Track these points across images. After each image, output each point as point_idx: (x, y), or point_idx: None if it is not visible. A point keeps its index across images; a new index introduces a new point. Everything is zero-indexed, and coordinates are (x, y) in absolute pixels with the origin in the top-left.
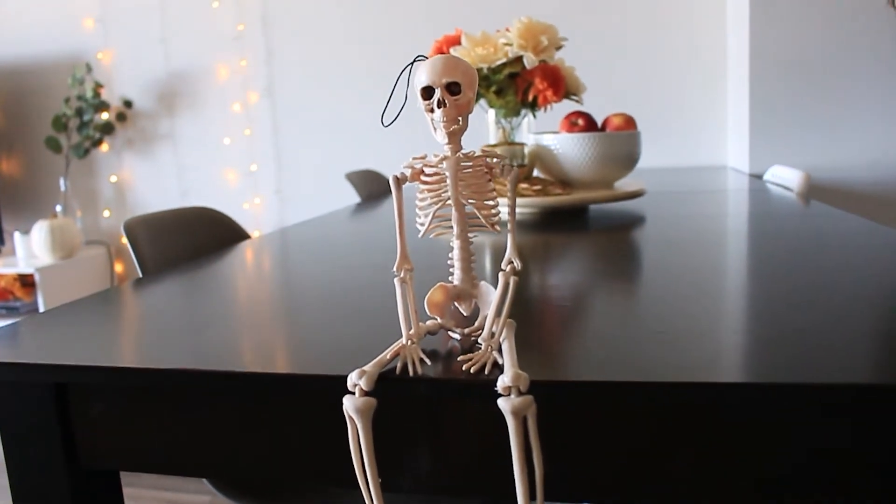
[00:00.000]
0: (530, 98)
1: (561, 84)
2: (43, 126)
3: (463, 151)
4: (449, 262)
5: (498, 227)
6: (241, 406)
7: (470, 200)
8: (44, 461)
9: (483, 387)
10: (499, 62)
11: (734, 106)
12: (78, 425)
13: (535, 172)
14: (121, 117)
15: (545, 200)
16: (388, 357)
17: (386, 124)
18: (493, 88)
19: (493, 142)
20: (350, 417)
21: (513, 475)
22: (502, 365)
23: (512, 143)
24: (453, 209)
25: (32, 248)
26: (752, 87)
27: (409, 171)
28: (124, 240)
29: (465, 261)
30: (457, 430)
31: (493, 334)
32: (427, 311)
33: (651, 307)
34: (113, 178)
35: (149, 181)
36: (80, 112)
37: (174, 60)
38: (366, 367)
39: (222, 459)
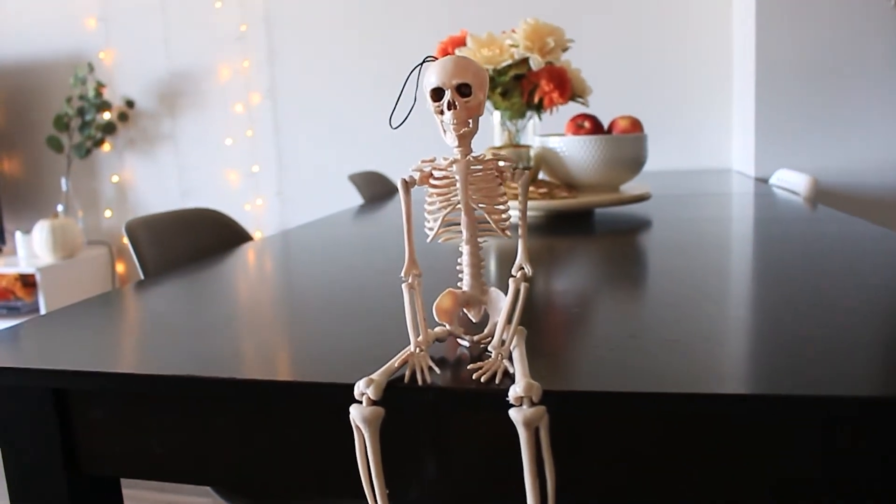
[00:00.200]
0: (536, 100)
1: (567, 86)
2: (44, 125)
3: (473, 154)
4: (458, 267)
5: (509, 233)
6: (244, 414)
7: (480, 205)
8: (43, 467)
9: (493, 396)
10: (504, 64)
11: (739, 108)
12: (78, 431)
13: (541, 175)
14: (122, 117)
15: (551, 204)
16: (395, 365)
17: (395, 126)
18: (499, 90)
19: (498, 144)
20: (357, 427)
21: (523, 487)
22: (513, 374)
23: (517, 146)
24: (463, 213)
25: (34, 248)
26: (758, 89)
27: (418, 174)
28: (126, 240)
29: (474, 266)
30: (466, 440)
31: (503, 342)
32: (435, 317)
33: (661, 313)
34: (114, 178)
35: (150, 181)
36: (81, 112)
37: (176, 60)
38: (373, 376)
39: (224, 468)
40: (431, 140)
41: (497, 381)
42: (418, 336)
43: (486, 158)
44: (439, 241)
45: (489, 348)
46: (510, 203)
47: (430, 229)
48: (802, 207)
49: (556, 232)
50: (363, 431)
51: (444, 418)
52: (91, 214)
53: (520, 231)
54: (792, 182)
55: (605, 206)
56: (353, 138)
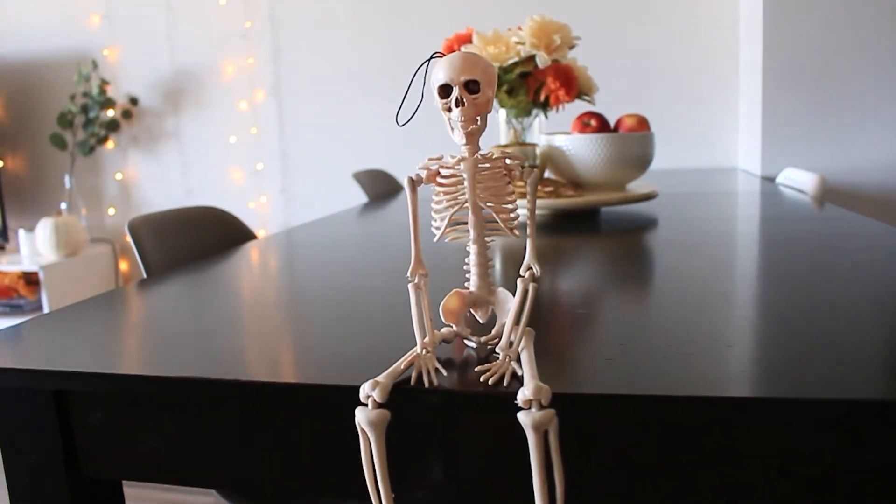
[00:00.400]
0: (542, 98)
1: (573, 84)
2: (48, 123)
3: (481, 152)
4: (465, 267)
5: (517, 232)
6: (248, 416)
7: (488, 204)
8: (44, 469)
9: (501, 399)
10: (511, 61)
11: (746, 107)
12: (79, 433)
13: (547, 173)
14: (126, 115)
15: (557, 202)
16: (401, 367)
17: (401, 123)
18: (505, 88)
19: (503, 142)
20: (362, 430)
21: (531, 491)
22: (521, 376)
23: (523, 144)
24: (470, 212)
25: (37, 246)
26: (765, 88)
27: (425, 172)
28: (129, 238)
29: (481, 266)
30: (473, 443)
31: (511, 343)
32: (442, 318)
33: (670, 314)
34: (118, 176)
35: (154, 179)
36: (85, 109)
37: (180, 58)
38: (379, 378)
39: (227, 470)
40: (438, 138)
41: (505, 384)
42: (424, 337)
43: (493, 157)
44: (446, 240)
45: (497, 350)
46: (518, 202)
47: (437, 228)
48: (810, 206)
49: (562, 231)
50: (369, 435)
51: (450, 421)
52: (94, 212)
53: (528, 230)
54: (799, 181)
55: (611, 204)
56: (359, 136)
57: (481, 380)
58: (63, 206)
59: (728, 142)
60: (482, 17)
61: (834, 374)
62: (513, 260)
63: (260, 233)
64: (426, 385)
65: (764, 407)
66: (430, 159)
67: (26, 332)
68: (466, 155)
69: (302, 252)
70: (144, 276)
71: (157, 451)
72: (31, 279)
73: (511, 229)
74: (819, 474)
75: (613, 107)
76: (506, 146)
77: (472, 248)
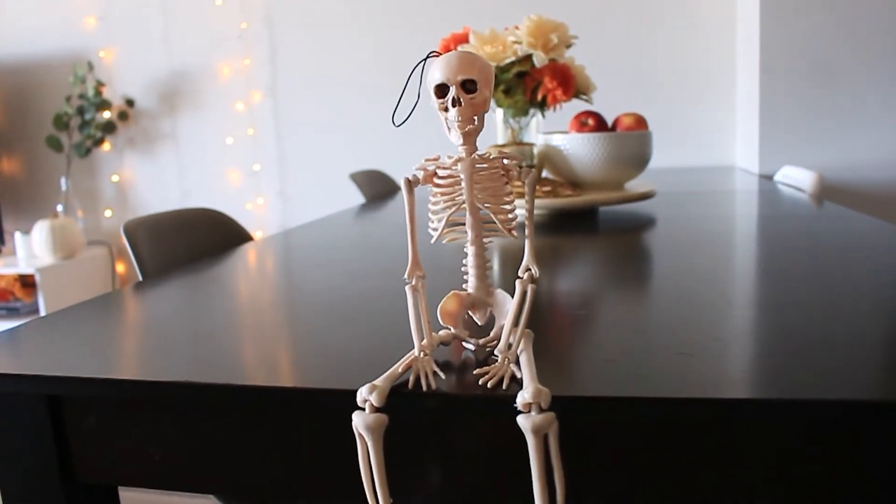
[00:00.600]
0: (539, 97)
1: (571, 83)
2: (44, 125)
3: (478, 153)
4: (463, 268)
5: (515, 233)
6: (245, 420)
7: (486, 204)
8: (38, 475)
9: (500, 402)
10: (507, 61)
11: (743, 105)
12: (73, 438)
13: (544, 173)
14: (122, 116)
15: (555, 202)
16: (399, 370)
17: (398, 124)
18: (502, 87)
19: (501, 142)
20: (360, 435)
21: (531, 496)
22: (520, 379)
23: (521, 144)
24: (468, 213)
25: (33, 248)
26: (762, 86)
27: (422, 173)
28: (125, 240)
29: (479, 268)
30: (472, 447)
31: (510, 346)
32: (440, 320)
33: (670, 314)
34: (114, 178)
35: (151, 181)
36: (81, 111)
37: (176, 59)
38: (377, 382)
39: (224, 476)
40: (435, 138)
41: (504, 387)
42: (422, 340)
43: (491, 157)
44: (443, 241)
45: (495, 352)
46: (516, 202)
47: (434, 230)
48: (808, 204)
49: (560, 230)
50: (366, 439)
51: (449, 425)
52: (91, 214)
53: (526, 231)
54: (797, 179)
55: (609, 204)
56: (355, 136)
57: (480, 383)
58: (59, 208)
59: (726, 140)
60: (479, 16)
61: (834, 374)
62: (511, 261)
63: (257, 234)
64: (424, 388)
65: (764, 408)
66: (427, 160)
67: (20, 336)
68: (464, 155)
69: (299, 254)
70: (140, 279)
71: (153, 457)
72: (27, 282)
73: (509, 230)
74: (819, 475)
75: (611, 106)
76: (503, 146)
77: (470, 250)
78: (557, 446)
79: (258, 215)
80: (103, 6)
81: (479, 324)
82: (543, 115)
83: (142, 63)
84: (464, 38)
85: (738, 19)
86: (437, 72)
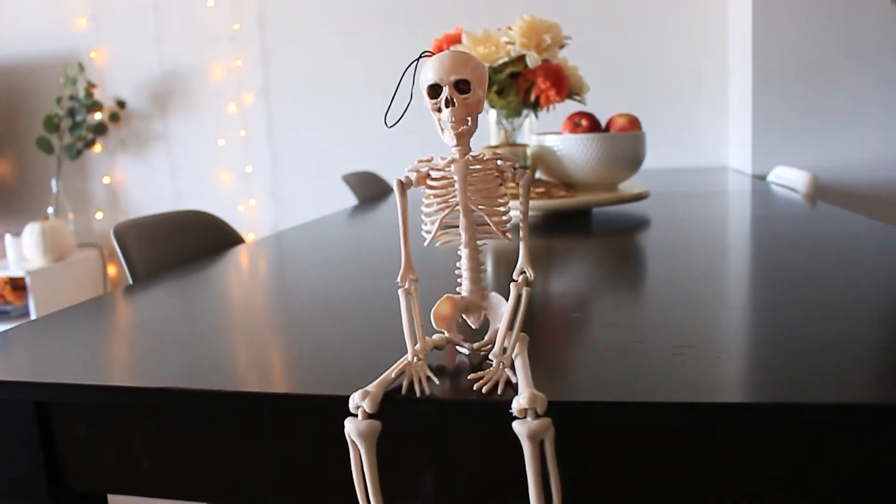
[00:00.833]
0: (532, 98)
1: (564, 84)
2: (34, 126)
3: (472, 154)
4: (457, 271)
5: (510, 235)
6: (236, 427)
7: (480, 206)
8: (26, 483)
9: (495, 407)
10: (500, 61)
11: (736, 106)
12: (62, 446)
13: (538, 174)
14: (114, 118)
15: (548, 203)
16: (392, 376)
17: (390, 125)
18: (495, 88)
19: (494, 143)
20: (353, 442)
21: (527, 502)
22: (516, 384)
23: (514, 145)
24: (461, 215)
25: (23, 251)
26: (755, 86)
27: (415, 174)
28: (114, 243)
29: (473, 270)
30: (466, 453)
31: (505, 350)
32: (433, 324)
33: (665, 316)
34: (106, 180)
35: (142, 182)
36: (72, 112)
37: (168, 60)
38: (369, 388)
39: (215, 483)
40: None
41: (499, 392)
42: (416, 344)
43: (485, 158)
44: (437, 244)
45: (490, 356)
46: (510, 204)
47: (428, 232)
48: (802, 205)
49: (554, 232)
50: (359, 446)
51: (443, 431)
52: (82, 216)
53: (521, 233)
54: (790, 179)
55: (603, 205)
56: (348, 138)
57: (474, 388)
58: (50, 210)
59: (719, 140)
60: (472, 17)
61: (831, 376)
62: (505, 263)
63: (249, 236)
64: (418, 394)
65: (761, 412)
66: (420, 161)
67: (9, 340)
68: (457, 156)
69: (291, 256)
70: (130, 283)
71: (143, 464)
72: (17, 285)
73: (503, 232)
74: (818, 478)
75: (604, 106)
76: (496, 147)
77: (464, 252)
78: (553, 452)
79: (250, 217)
80: (94, 7)
81: (474, 327)
82: (537, 116)
83: (133, 64)
84: (456, 39)
85: (731, 20)
86: (429, 72)
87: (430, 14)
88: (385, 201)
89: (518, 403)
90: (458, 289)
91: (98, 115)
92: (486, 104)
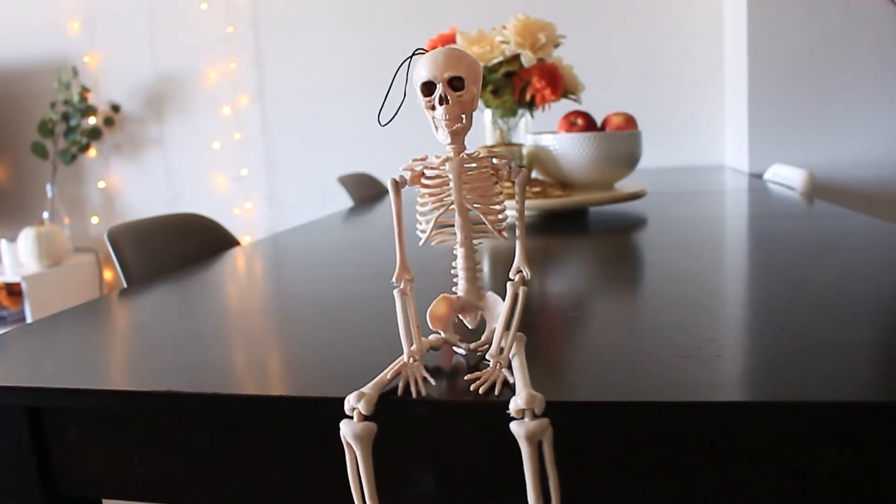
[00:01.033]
0: (528, 97)
1: (559, 83)
2: (29, 131)
3: (467, 152)
4: (452, 271)
5: (506, 234)
6: (229, 430)
7: (475, 205)
8: (18, 489)
9: (492, 408)
10: (495, 61)
11: (732, 104)
12: (55, 450)
13: (534, 174)
14: (108, 122)
15: (544, 203)
16: (388, 377)
17: (383, 123)
18: (490, 88)
19: (489, 143)
20: (348, 444)
21: None
22: (513, 384)
23: (509, 144)
24: (457, 214)
25: (19, 256)
26: (751, 84)
27: (409, 173)
28: (109, 247)
29: (469, 270)
30: (463, 455)
31: (502, 350)
32: (429, 324)
33: (663, 316)
34: (101, 184)
35: (137, 186)
36: (66, 117)
37: (162, 64)
38: (364, 389)
39: (209, 487)
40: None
41: (496, 393)
42: (411, 345)
43: (480, 156)
44: (432, 243)
45: (487, 357)
46: (506, 202)
47: (423, 231)
48: (799, 203)
49: (551, 231)
50: (354, 449)
51: (440, 433)
52: (77, 221)
53: (517, 232)
54: (787, 177)
55: (599, 204)
56: (343, 139)
57: (471, 389)
58: (45, 215)
59: (715, 139)
60: (466, 17)
61: (830, 375)
62: (502, 263)
63: (245, 239)
64: (414, 395)
65: (760, 411)
66: (415, 160)
67: (1, 344)
68: (452, 155)
69: (286, 258)
70: (125, 286)
71: (136, 468)
72: (13, 290)
73: (499, 231)
74: (817, 479)
75: (600, 105)
76: (492, 147)
77: (460, 252)
78: (552, 453)
79: (246, 220)
80: (87, 11)
81: (470, 328)
82: (532, 116)
83: (127, 68)
84: (451, 39)
85: (726, 18)
86: (423, 69)
87: (424, 14)
88: (381, 203)
89: (515, 404)
90: (454, 289)
91: (92, 120)
92: (481, 104)
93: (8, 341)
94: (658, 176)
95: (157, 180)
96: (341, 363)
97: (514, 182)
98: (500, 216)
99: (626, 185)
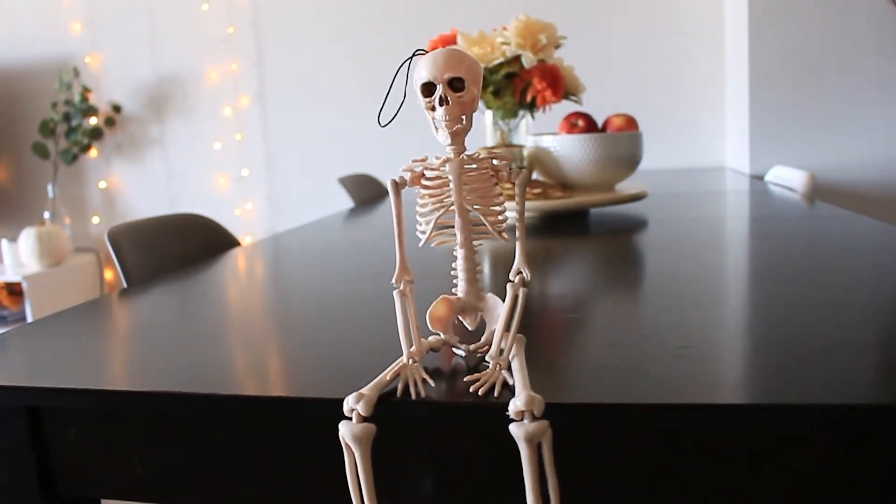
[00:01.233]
0: (529, 98)
1: (560, 84)
2: (30, 131)
3: (467, 153)
4: (452, 272)
5: (506, 236)
6: (229, 431)
7: (475, 206)
8: (17, 489)
9: (492, 410)
10: (496, 62)
11: (733, 105)
12: (54, 450)
13: (535, 175)
14: (109, 122)
15: (545, 204)
16: (387, 378)
17: (383, 124)
18: (491, 89)
19: (490, 144)
20: (347, 445)
21: None
22: (513, 386)
23: (510, 145)
24: (457, 215)
25: (20, 256)
26: (752, 85)
27: (409, 174)
28: (109, 247)
29: (469, 271)
30: (463, 457)
31: (501, 351)
32: (429, 325)
33: (664, 317)
34: (102, 184)
35: (138, 187)
36: (67, 117)
37: (163, 64)
38: (363, 390)
39: (209, 488)
40: (424, 140)
41: (496, 394)
42: (411, 346)
43: (480, 157)
44: (432, 244)
45: (487, 358)
46: (506, 204)
47: (423, 233)
48: (800, 204)
49: (551, 233)
50: (353, 450)
51: (439, 434)
52: (78, 221)
53: (517, 233)
54: (788, 179)
55: (600, 205)
56: (344, 140)
57: (471, 390)
58: (46, 215)
59: (716, 140)
60: (467, 18)
61: (831, 378)
62: (502, 264)
63: (245, 239)
64: (413, 397)
65: (761, 413)
66: (415, 161)
67: (2, 344)
68: (452, 156)
69: (286, 258)
70: (125, 286)
71: (136, 468)
72: (14, 290)
73: (499, 232)
74: (818, 480)
75: (601, 107)
76: (492, 148)
77: (460, 253)
78: (551, 455)
79: (246, 220)
80: (89, 12)
81: (470, 329)
82: (533, 117)
83: (128, 68)
84: (452, 40)
85: (727, 19)
86: (423, 70)
87: (425, 15)
88: (381, 204)
89: (515, 406)
90: (453, 290)
91: (94, 120)
92: (482, 105)
93: (8, 341)
94: (659, 177)
95: (157, 180)
96: (341, 364)
97: (514, 183)
98: (500, 217)
99: (626, 186)
